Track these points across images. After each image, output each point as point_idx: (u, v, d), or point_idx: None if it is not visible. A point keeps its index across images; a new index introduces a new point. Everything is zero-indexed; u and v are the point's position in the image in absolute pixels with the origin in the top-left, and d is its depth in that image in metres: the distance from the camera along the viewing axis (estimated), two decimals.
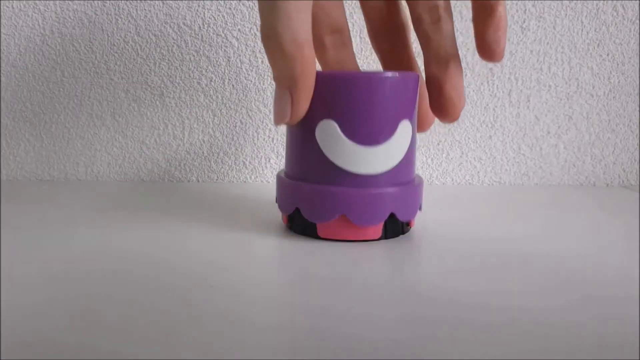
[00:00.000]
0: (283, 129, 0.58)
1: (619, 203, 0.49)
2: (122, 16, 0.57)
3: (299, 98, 0.31)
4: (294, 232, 0.37)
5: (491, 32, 0.32)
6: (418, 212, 0.37)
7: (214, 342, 0.22)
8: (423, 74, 0.35)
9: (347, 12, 0.55)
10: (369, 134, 0.33)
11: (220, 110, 0.58)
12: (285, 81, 0.31)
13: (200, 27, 0.56)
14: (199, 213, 0.43)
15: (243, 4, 0.56)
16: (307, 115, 0.33)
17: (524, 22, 0.54)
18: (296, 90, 0.31)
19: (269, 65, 0.56)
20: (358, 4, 0.56)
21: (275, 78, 0.32)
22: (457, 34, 0.54)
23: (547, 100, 0.56)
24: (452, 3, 0.53)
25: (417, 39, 0.35)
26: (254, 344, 0.22)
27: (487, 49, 0.33)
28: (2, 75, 0.59)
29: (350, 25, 0.55)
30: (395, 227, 0.36)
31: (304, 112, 0.32)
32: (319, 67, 0.37)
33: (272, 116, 0.57)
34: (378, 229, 0.35)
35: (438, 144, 0.57)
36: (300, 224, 0.36)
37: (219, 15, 0.56)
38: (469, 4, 0.33)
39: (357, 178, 0.34)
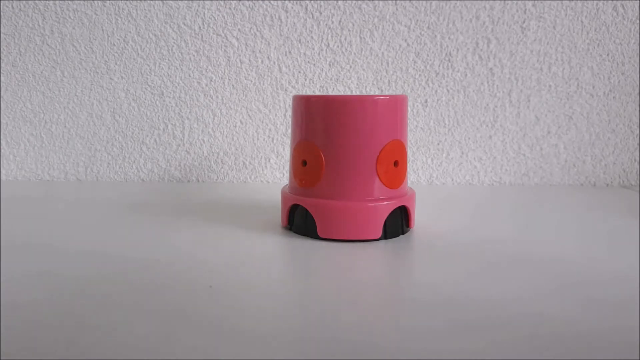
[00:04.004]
0: (283, 129, 0.58)
1: (619, 203, 0.49)
2: (122, 16, 0.57)
3: None
4: (293, 232, 0.37)
5: None
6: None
7: (213, 341, 0.22)
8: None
9: (347, 12, 0.55)
10: None
11: (220, 110, 0.58)
12: None
13: (200, 27, 0.56)
14: (198, 213, 0.43)
15: (243, 4, 0.56)
16: None
17: (524, 22, 0.54)
18: None
19: (268, 65, 0.57)
20: (358, 4, 0.56)
21: None
22: (457, 34, 0.54)
23: (547, 100, 0.56)
24: (453, 3, 0.53)
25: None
26: (253, 343, 0.21)
27: None
28: (2, 75, 0.59)
29: (350, 25, 0.55)
30: (395, 227, 0.36)
31: None
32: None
33: (272, 116, 0.57)
34: (378, 229, 0.35)
35: (438, 144, 0.57)
36: (300, 223, 0.36)
37: (219, 15, 0.56)
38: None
39: None
